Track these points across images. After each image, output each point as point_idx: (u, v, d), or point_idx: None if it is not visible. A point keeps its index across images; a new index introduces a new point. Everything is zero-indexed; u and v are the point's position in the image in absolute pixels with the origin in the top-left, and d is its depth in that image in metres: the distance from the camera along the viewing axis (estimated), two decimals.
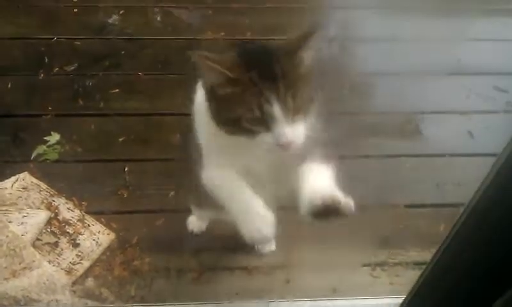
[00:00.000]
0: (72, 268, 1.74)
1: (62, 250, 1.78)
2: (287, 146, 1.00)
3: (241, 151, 1.07)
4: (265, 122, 0.99)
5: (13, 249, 1.65)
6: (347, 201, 0.99)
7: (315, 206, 1.00)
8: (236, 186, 1.13)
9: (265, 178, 1.16)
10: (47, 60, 2.43)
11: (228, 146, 1.08)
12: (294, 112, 1.00)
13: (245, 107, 0.98)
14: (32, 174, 1.96)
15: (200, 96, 1.12)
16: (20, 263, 1.64)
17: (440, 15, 2.72)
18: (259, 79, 0.98)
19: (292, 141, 1.00)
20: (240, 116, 0.99)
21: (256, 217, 1.10)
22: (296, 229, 1.74)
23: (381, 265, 1.84)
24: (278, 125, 0.99)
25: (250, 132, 1.01)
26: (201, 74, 1.05)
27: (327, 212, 0.99)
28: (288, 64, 1.00)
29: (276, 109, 0.97)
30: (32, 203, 1.86)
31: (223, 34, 2.59)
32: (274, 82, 0.98)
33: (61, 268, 1.72)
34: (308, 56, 1.03)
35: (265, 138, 1.00)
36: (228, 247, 1.80)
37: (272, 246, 1.80)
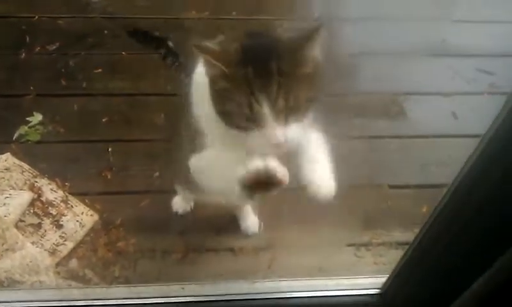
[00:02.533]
0: (56, 250, 1.73)
1: (45, 231, 1.77)
2: (279, 147, 0.99)
3: (240, 142, 1.04)
4: (256, 121, 0.97)
5: None
6: (282, 171, 0.96)
7: (244, 177, 0.97)
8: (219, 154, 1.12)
9: None
10: (28, 39, 2.39)
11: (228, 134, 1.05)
12: (288, 112, 0.97)
13: (235, 103, 0.97)
14: (15, 155, 1.94)
15: (200, 76, 1.09)
16: (2, 245, 1.62)
17: None
18: (253, 76, 0.96)
19: (283, 142, 0.98)
20: (232, 111, 0.98)
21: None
22: (281, 210, 1.75)
23: (365, 245, 1.85)
24: (268, 125, 0.97)
25: (243, 129, 0.99)
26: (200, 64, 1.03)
27: (258, 181, 0.96)
28: (286, 63, 0.97)
29: (266, 109, 0.96)
30: (15, 183, 1.84)
31: (207, 13, 2.57)
32: (268, 80, 0.95)
33: (45, 250, 1.71)
34: (311, 55, 1.00)
35: (257, 136, 0.99)
36: (213, 228, 1.80)
37: (256, 227, 1.81)
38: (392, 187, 2.02)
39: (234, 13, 2.58)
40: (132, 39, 1.64)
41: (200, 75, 1.07)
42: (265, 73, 0.96)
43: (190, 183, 1.35)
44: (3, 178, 1.85)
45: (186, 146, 1.22)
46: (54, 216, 1.80)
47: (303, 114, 1.01)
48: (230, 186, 1.05)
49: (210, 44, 1.00)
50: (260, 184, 0.97)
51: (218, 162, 1.12)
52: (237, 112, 0.98)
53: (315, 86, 1.02)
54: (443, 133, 2.21)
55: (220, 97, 1.01)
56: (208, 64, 1.00)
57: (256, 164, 0.96)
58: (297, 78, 0.98)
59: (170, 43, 1.65)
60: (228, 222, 1.79)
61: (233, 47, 1.00)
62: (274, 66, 0.96)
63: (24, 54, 2.33)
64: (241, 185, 0.98)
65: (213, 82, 1.02)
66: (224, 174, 1.09)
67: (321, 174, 1.04)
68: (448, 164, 1.97)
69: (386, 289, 1.21)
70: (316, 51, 1.01)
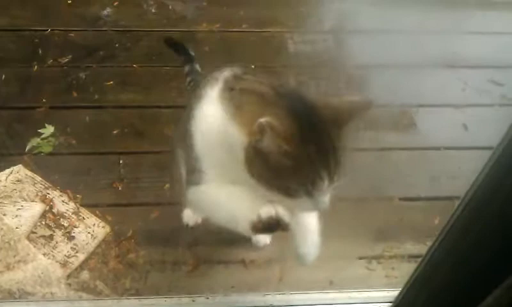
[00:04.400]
0: (67, 261, 1.73)
1: (57, 243, 1.77)
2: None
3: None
4: (313, 194, 1.00)
5: (8, 242, 1.64)
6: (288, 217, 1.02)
7: (252, 221, 1.03)
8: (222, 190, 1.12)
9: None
10: (40, 52, 2.41)
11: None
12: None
13: (299, 180, 0.98)
14: (27, 166, 1.95)
15: (210, 117, 1.08)
16: (14, 256, 1.63)
17: (435, 7, 2.72)
18: (316, 156, 0.97)
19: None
20: (288, 186, 0.99)
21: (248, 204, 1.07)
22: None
23: (376, 257, 1.84)
24: (321, 195, 1.01)
25: (292, 196, 1.00)
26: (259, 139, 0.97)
27: (266, 226, 1.02)
28: (338, 138, 1.01)
29: (326, 185, 1.00)
30: (27, 195, 1.85)
31: (217, 26, 2.59)
32: (328, 158, 0.99)
33: (56, 261, 1.72)
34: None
35: (305, 203, 1.02)
36: (223, 240, 1.79)
37: (267, 239, 1.80)
38: (402, 199, 2.01)
39: (244, 25, 2.59)
40: (170, 49, 1.74)
41: (210, 116, 1.08)
42: (324, 151, 0.99)
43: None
44: (15, 189, 1.86)
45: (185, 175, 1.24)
46: (65, 228, 1.81)
47: None
48: (236, 221, 1.08)
49: (272, 119, 0.93)
50: (268, 228, 1.03)
51: (223, 199, 1.12)
52: (296, 187, 0.99)
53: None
54: (454, 145, 2.21)
55: (274, 170, 0.98)
56: (270, 141, 0.95)
57: (268, 211, 1.01)
58: (344, 151, 1.02)
59: (197, 66, 1.73)
60: (239, 234, 1.79)
61: (288, 120, 0.97)
62: (330, 144, 0.99)
63: (36, 67, 2.35)
64: (251, 228, 1.04)
65: (267, 155, 0.97)
66: (231, 211, 1.10)
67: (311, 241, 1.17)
68: (459, 176, 1.97)
69: (399, 302, 1.20)
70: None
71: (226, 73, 1.14)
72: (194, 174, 1.14)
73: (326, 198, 1.03)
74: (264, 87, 1.05)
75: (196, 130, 1.13)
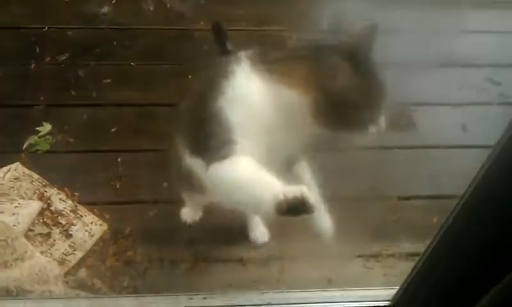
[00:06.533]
0: (65, 259, 1.73)
1: (54, 241, 1.77)
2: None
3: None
4: (376, 115, 1.20)
5: (5, 240, 1.64)
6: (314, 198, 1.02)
7: (279, 201, 1.01)
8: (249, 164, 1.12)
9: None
10: (38, 50, 2.40)
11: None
12: None
13: (370, 105, 1.18)
14: (24, 164, 1.95)
15: (251, 89, 1.15)
16: (12, 254, 1.63)
17: (433, 6, 2.71)
18: (374, 83, 1.20)
19: None
20: (363, 115, 1.17)
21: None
22: (290, 220, 1.74)
23: (374, 256, 1.84)
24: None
25: (359, 126, 1.18)
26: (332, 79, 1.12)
27: (292, 207, 1.00)
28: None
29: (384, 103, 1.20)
30: (25, 193, 1.85)
31: None
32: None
33: (54, 259, 1.71)
34: None
35: (368, 129, 1.19)
36: (222, 238, 1.80)
37: (265, 237, 1.81)
38: (401, 198, 2.01)
39: (243, 24, 2.59)
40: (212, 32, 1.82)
41: (246, 88, 1.15)
42: (375, 76, 1.20)
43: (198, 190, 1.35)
44: (13, 187, 1.86)
45: (205, 154, 1.20)
46: (63, 226, 1.81)
47: None
48: (258, 200, 1.05)
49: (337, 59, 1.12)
50: (293, 209, 1.01)
51: (248, 174, 1.11)
52: (367, 114, 1.17)
53: None
54: (453, 144, 2.20)
55: (349, 106, 1.14)
56: (342, 77, 1.11)
57: (294, 190, 1.01)
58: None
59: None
60: (237, 233, 1.79)
61: (342, 61, 1.13)
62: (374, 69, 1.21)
63: (33, 65, 2.34)
64: (276, 209, 1.01)
65: (339, 95, 1.12)
66: (254, 189, 1.08)
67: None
68: (458, 174, 1.94)
69: (397, 301, 1.20)
70: None
71: (244, 53, 1.21)
72: (220, 149, 1.14)
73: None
74: (295, 53, 1.20)
75: (227, 104, 1.15)
